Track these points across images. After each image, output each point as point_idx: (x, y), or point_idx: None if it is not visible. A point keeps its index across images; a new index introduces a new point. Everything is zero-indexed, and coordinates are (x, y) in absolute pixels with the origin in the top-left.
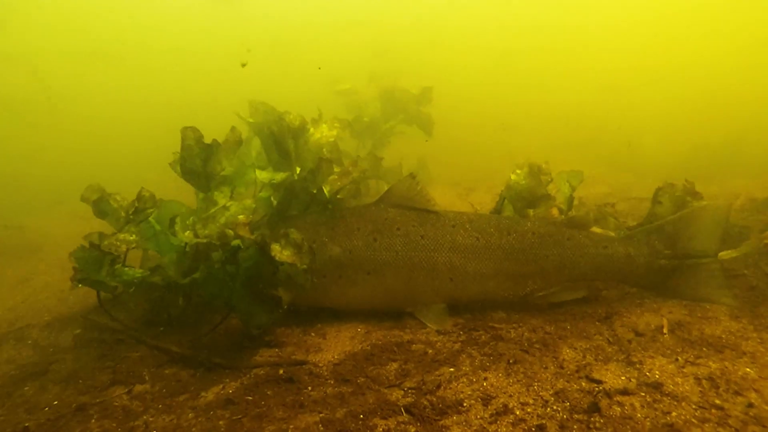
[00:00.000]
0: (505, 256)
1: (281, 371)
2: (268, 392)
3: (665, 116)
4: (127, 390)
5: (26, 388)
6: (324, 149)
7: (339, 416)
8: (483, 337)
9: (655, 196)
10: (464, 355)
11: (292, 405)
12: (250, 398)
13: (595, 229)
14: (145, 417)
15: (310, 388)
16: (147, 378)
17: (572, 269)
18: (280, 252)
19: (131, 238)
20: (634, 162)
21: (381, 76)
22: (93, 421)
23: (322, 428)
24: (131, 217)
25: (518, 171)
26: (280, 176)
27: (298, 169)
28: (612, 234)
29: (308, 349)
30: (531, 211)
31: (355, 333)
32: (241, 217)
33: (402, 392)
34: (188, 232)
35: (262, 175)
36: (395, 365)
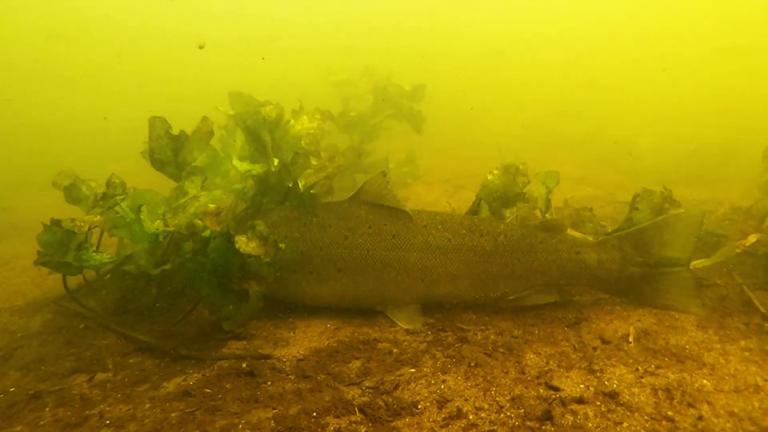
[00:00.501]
0: (477, 258)
1: (244, 364)
2: (227, 386)
3: (664, 117)
4: (88, 378)
5: None
6: (303, 141)
7: (292, 413)
8: (450, 338)
9: (632, 202)
10: (428, 356)
11: (247, 399)
12: (209, 391)
13: (573, 233)
14: (101, 406)
15: (269, 383)
16: (110, 366)
17: (543, 273)
18: (246, 244)
19: (96, 218)
20: (629, 164)
21: (374, 71)
22: (47, 409)
23: (273, 424)
24: (99, 202)
25: (495, 171)
26: (255, 168)
27: (276, 162)
28: (589, 239)
29: (276, 342)
30: (507, 212)
31: (325, 329)
32: (211, 206)
33: (360, 391)
34: (158, 221)
35: (241, 166)
36: (358, 363)
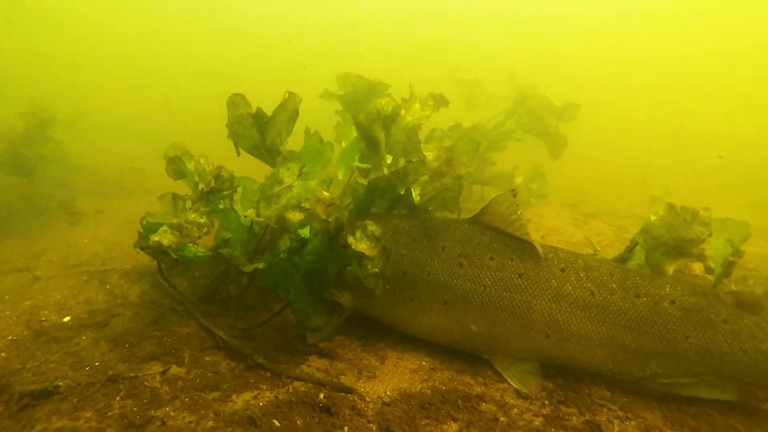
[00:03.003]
0: (627, 323)
1: (322, 395)
2: (298, 421)
3: None
4: (162, 370)
5: (83, 338)
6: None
7: None
8: (575, 419)
9: None
10: None
11: None
12: (276, 424)
13: None
14: (167, 409)
15: (346, 428)
16: (186, 360)
17: (723, 363)
18: (356, 243)
19: (202, 220)
20: None
21: (519, 79)
22: (118, 398)
23: None
24: (207, 195)
25: (659, 211)
26: (365, 167)
27: (389, 159)
28: None
29: (361, 371)
30: (671, 267)
31: (419, 366)
32: (325, 194)
33: None
34: (251, 210)
35: (350, 159)
36: (455, 427)
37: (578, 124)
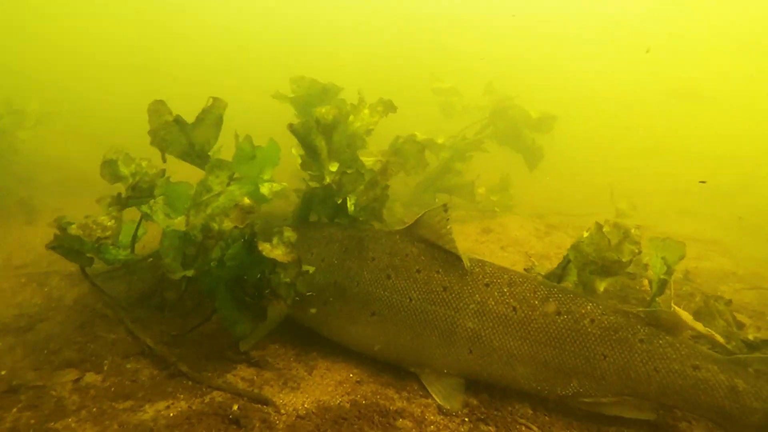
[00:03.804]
0: (548, 340)
1: (236, 407)
2: None
3: None
4: (76, 378)
5: (1, 344)
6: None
7: None
8: None
9: None
10: None
11: None
12: None
13: (697, 326)
14: (69, 420)
15: None
16: (105, 368)
17: (639, 383)
18: (270, 250)
19: (109, 223)
20: None
21: (496, 89)
22: (15, 409)
23: None
24: (130, 193)
25: (590, 228)
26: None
27: (334, 167)
28: (719, 340)
29: (287, 381)
30: (602, 285)
31: (346, 378)
32: (246, 200)
33: None
34: (182, 217)
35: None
36: None
37: (557, 135)
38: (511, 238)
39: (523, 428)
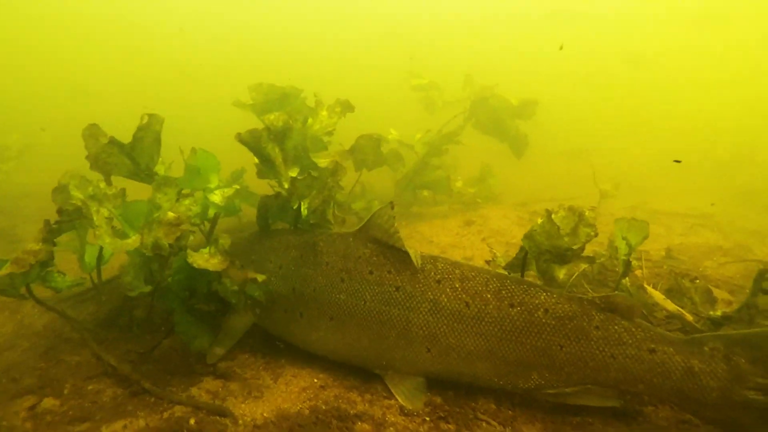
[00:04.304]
0: (503, 334)
1: (193, 420)
2: None
3: None
4: (33, 404)
5: None
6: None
7: None
8: None
9: (757, 278)
10: None
11: None
12: None
13: (668, 305)
14: None
15: None
16: (66, 391)
17: (598, 371)
18: (204, 259)
19: (37, 247)
20: None
21: (475, 80)
22: None
23: None
24: (53, 227)
25: (540, 218)
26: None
27: (295, 171)
28: (688, 318)
29: (251, 391)
30: (561, 272)
31: (310, 384)
32: (170, 215)
33: None
34: (137, 236)
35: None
36: None
37: (542, 122)
38: (492, 229)
39: (484, 424)
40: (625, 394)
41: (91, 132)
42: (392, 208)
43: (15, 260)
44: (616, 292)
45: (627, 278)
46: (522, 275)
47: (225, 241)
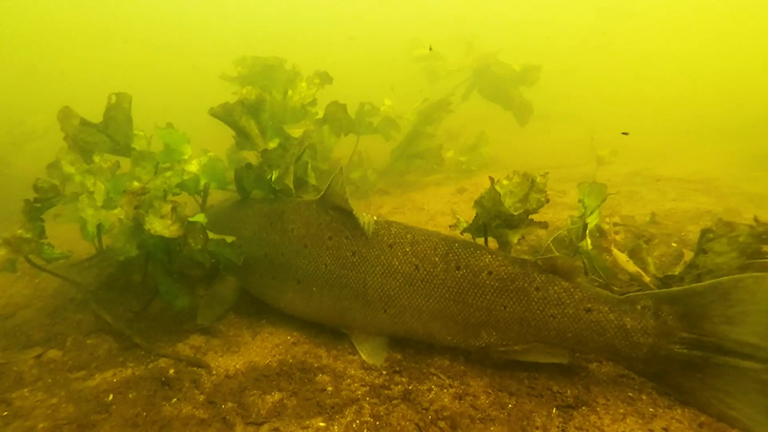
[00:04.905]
0: (450, 295)
1: (172, 371)
2: (130, 395)
3: None
4: (39, 354)
5: None
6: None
7: None
8: (396, 388)
9: (701, 239)
10: (354, 409)
11: (130, 422)
12: (110, 398)
13: (629, 267)
14: (25, 390)
15: (174, 400)
16: (68, 344)
17: (539, 330)
18: (158, 224)
19: (27, 236)
20: None
21: (477, 48)
22: None
23: None
24: (35, 205)
25: (504, 182)
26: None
27: (274, 143)
28: (645, 279)
29: (230, 347)
30: (514, 237)
31: (284, 340)
32: (135, 183)
33: None
34: (118, 208)
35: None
36: (278, 396)
37: (546, 88)
38: None
39: (435, 378)
40: (573, 352)
41: (65, 114)
42: (342, 173)
43: (7, 242)
44: (558, 254)
45: (586, 241)
46: (486, 241)
47: (182, 209)
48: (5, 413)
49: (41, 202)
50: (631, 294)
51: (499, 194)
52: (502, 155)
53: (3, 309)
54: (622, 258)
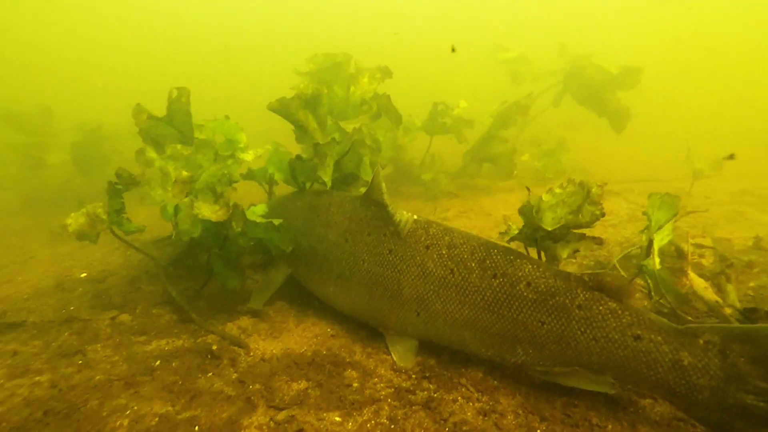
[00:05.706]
0: (484, 304)
1: (215, 347)
2: (174, 364)
3: None
4: (114, 316)
5: (80, 290)
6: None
7: (183, 417)
8: (420, 395)
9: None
10: (373, 409)
11: (171, 388)
12: (156, 363)
13: (706, 293)
14: (98, 345)
15: (210, 374)
16: (137, 311)
17: (579, 353)
18: (213, 211)
19: (104, 216)
20: None
21: (569, 50)
22: (67, 334)
23: (155, 422)
24: (116, 186)
25: (556, 190)
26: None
27: (331, 137)
28: (726, 312)
29: (273, 332)
30: (564, 252)
31: (324, 332)
32: (184, 173)
33: (266, 419)
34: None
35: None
36: (303, 385)
37: (647, 93)
38: None
39: (463, 389)
40: (623, 383)
41: (138, 110)
42: (382, 168)
43: (87, 213)
44: (607, 270)
45: (652, 259)
46: (538, 253)
47: (228, 194)
48: (80, 362)
49: (121, 185)
50: (693, 325)
51: (532, 207)
52: (587, 164)
53: (99, 274)
54: (700, 284)
